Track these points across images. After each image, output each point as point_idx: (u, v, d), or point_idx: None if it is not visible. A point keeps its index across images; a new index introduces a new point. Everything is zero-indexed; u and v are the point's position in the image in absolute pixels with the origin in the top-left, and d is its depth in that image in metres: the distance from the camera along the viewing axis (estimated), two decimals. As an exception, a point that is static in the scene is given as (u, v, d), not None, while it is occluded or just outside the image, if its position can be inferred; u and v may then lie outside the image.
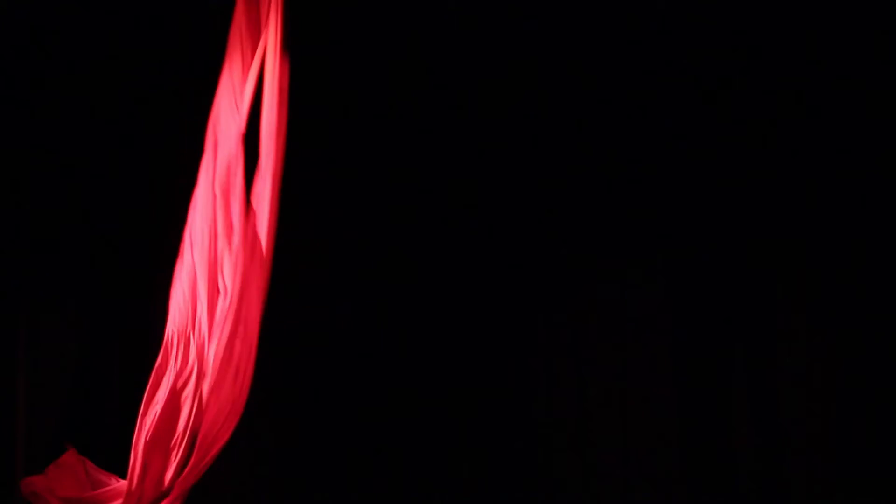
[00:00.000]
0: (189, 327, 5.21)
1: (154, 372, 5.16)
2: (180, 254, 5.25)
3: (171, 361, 5.18)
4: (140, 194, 6.63)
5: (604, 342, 6.58)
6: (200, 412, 5.08)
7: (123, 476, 5.15)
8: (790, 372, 6.41)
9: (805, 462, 6.36)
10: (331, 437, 6.60)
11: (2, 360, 6.52)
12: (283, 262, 5.27)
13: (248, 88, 5.30)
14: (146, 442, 5.09)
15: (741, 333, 6.46)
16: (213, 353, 5.10)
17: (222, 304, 5.14)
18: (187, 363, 5.16)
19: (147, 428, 5.11)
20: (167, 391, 5.13)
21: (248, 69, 5.34)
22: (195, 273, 5.23)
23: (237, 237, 5.19)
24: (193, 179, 6.49)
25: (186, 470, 5.05)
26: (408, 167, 6.63)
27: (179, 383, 5.15)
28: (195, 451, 5.06)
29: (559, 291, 6.63)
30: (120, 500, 5.13)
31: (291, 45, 5.31)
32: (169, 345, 5.21)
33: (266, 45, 5.32)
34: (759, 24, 6.43)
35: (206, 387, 5.08)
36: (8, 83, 6.54)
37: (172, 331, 5.22)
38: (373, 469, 6.52)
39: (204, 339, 5.16)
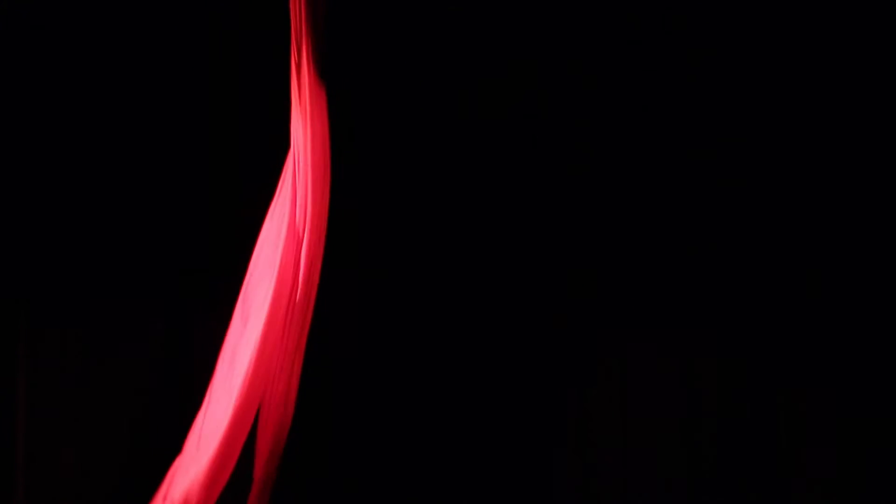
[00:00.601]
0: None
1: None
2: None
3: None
4: (140, 195, 6.62)
5: (604, 342, 6.58)
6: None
7: None
8: (790, 371, 6.40)
9: (805, 462, 6.36)
10: (329, 438, 6.59)
11: (2, 360, 6.51)
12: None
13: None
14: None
15: (741, 333, 6.46)
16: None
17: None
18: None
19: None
20: None
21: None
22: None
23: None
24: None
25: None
26: (422, 175, 6.65)
27: None
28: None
29: (560, 292, 6.63)
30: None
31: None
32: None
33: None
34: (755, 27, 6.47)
35: None
36: (10, 87, 6.54)
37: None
38: (371, 469, 6.51)
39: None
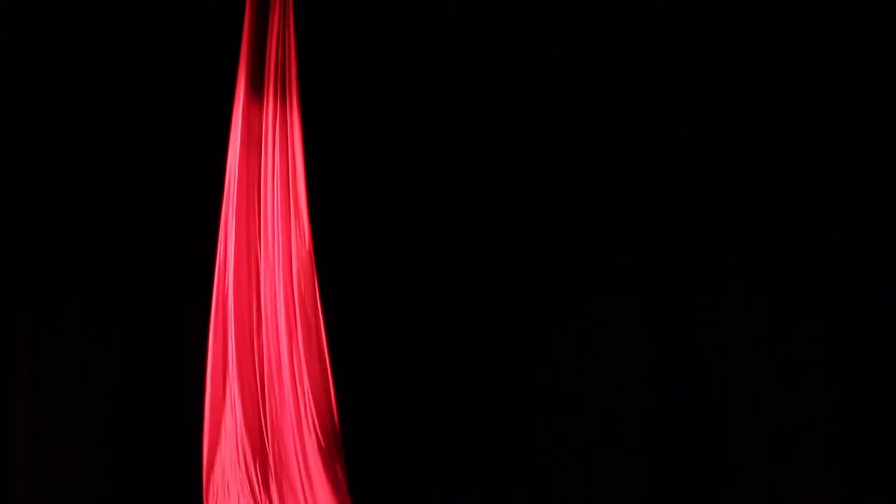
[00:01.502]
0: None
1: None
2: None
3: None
4: (141, 195, 6.65)
5: (603, 343, 6.59)
6: None
7: None
8: (789, 372, 6.41)
9: (805, 463, 6.37)
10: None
11: (2, 360, 6.53)
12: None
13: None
14: None
15: (739, 334, 6.47)
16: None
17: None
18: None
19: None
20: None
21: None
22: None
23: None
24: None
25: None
26: (416, 179, 6.68)
27: None
28: None
29: (560, 296, 6.65)
30: None
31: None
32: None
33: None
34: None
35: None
36: (12, 86, 6.57)
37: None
38: (371, 469, 6.53)
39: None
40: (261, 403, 5.71)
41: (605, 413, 6.55)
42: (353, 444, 6.16)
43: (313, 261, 5.81)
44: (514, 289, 6.65)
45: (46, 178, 6.58)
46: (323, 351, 5.76)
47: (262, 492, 5.62)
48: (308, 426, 5.67)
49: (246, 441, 5.64)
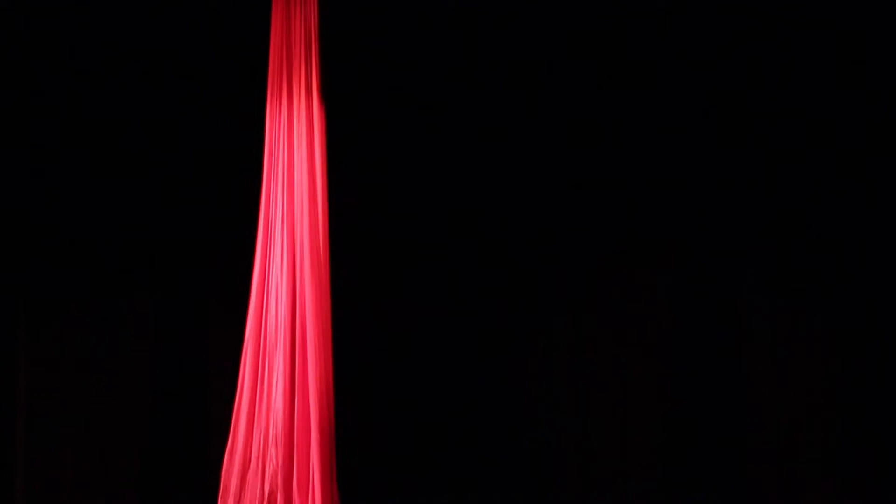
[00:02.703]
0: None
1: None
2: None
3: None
4: (141, 195, 6.65)
5: (603, 342, 6.59)
6: None
7: None
8: (789, 372, 6.42)
9: (806, 463, 6.37)
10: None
11: (2, 360, 6.54)
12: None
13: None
14: None
15: (738, 334, 6.47)
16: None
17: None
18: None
19: None
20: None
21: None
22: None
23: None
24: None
25: None
26: (415, 177, 6.69)
27: None
28: None
29: (560, 294, 6.65)
30: None
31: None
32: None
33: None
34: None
35: None
36: (13, 88, 6.58)
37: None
38: (370, 466, 6.53)
39: None
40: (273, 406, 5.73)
41: (605, 413, 6.58)
42: (352, 440, 6.20)
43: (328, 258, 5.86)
44: (517, 287, 6.66)
45: (47, 177, 6.59)
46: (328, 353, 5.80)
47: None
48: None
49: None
